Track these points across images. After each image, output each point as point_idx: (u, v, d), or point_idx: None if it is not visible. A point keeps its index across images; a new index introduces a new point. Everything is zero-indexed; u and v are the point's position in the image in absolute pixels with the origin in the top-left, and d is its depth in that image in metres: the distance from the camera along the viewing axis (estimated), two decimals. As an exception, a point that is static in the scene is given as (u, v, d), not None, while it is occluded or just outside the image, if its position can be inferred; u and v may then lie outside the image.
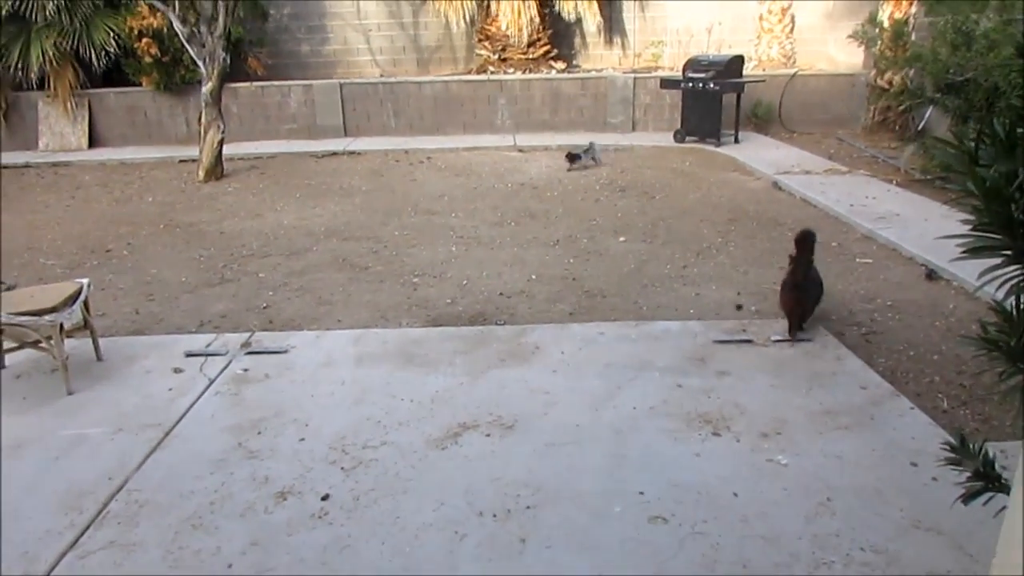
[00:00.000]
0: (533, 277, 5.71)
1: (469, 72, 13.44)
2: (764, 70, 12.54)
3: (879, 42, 9.55)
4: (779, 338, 4.34)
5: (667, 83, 11.30)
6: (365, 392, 3.88)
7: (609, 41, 14.06)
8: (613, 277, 5.66)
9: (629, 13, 13.87)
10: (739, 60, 10.74)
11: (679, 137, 10.96)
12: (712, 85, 10.37)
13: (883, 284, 5.39)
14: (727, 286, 5.39)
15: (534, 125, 12.18)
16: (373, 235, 6.98)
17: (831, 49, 13.15)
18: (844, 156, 9.85)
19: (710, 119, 10.56)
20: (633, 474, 3.10)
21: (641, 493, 2.97)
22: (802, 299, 4.40)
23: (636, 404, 3.66)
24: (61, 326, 3.97)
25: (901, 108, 9.89)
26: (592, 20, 13.08)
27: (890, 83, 9.97)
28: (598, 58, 14.12)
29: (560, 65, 13.27)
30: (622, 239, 6.60)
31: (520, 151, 10.99)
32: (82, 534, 2.88)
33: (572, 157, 9.56)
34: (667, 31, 13.80)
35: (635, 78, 12.01)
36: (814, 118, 11.77)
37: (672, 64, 13.20)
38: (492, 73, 12.80)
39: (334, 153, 11.11)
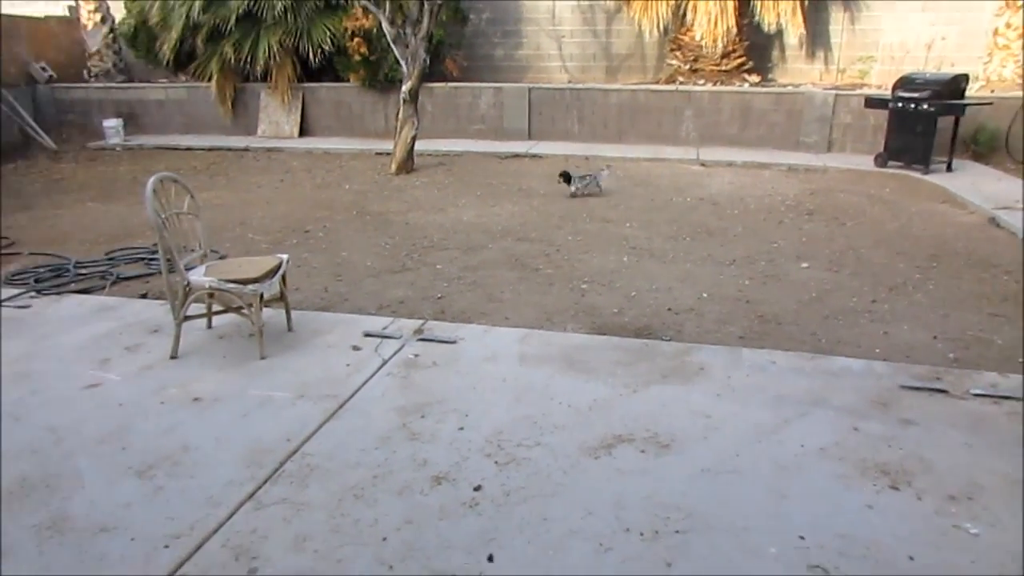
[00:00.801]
0: (704, 295, 5.53)
1: (657, 82, 13.27)
2: (992, 92, 11.33)
3: None
4: (981, 392, 3.90)
5: (873, 102, 10.53)
6: (525, 391, 3.94)
7: (811, 55, 13.35)
8: (791, 304, 5.35)
9: (836, 26, 13.09)
10: (962, 79, 9.77)
11: (881, 161, 10.17)
12: (926, 106, 9.52)
13: (1117, 344, 4.69)
14: (922, 328, 4.93)
15: (720, 139, 11.81)
16: (547, 238, 7.08)
17: (1078, 73, 11.64)
18: (1080, 194, 8.68)
19: (920, 143, 9.70)
20: (794, 515, 2.91)
21: (801, 538, 2.77)
22: None
23: (804, 442, 3.43)
24: (261, 296, 4.36)
25: None
26: (794, 32, 12.49)
27: None
28: (796, 72, 13.44)
29: (754, 78, 12.78)
30: (804, 265, 6.23)
31: (703, 165, 10.70)
32: (259, 488, 3.15)
33: (566, 177, 8.76)
34: (878, 46, 12.88)
35: (836, 95, 11.31)
36: (1047, 150, 10.47)
37: (880, 82, 12.31)
38: (681, 83, 12.55)
39: (517, 155, 11.38)
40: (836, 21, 13.08)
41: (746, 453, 3.34)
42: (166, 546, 2.79)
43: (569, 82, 13.66)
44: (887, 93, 10.29)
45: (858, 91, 11.54)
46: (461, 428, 3.58)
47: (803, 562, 2.65)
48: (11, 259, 6.59)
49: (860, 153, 10.92)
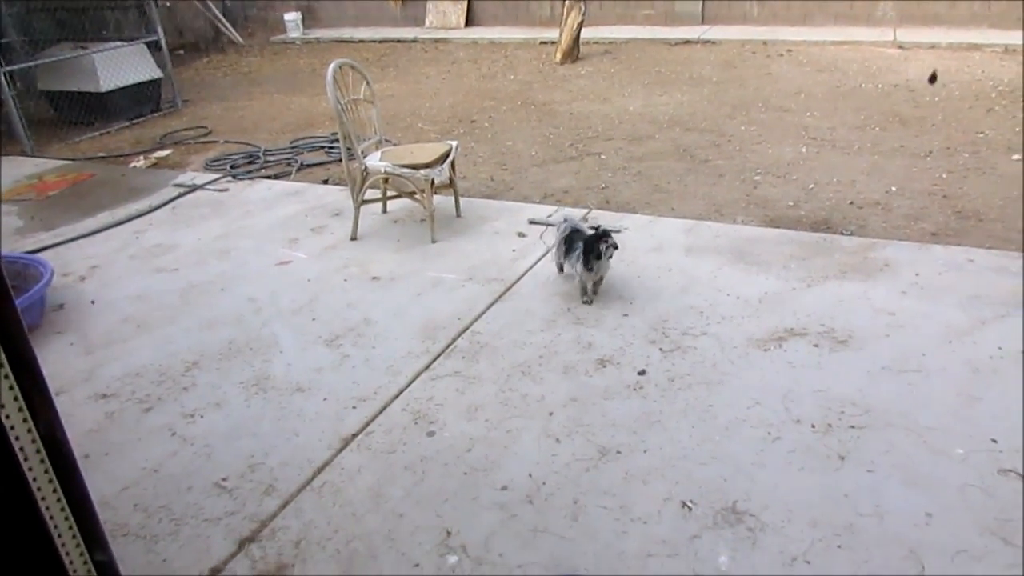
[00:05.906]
0: (893, 189, 5.08)
1: (852, -47, 11.87)
2: None
3: None
4: None
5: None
6: (691, 282, 3.87)
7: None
8: (995, 200, 4.80)
9: None
10: None
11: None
12: None
13: None
14: None
15: (922, 18, 10.50)
16: (717, 128, 6.72)
17: None
18: None
19: None
20: (986, 420, 2.70)
21: (994, 441, 2.59)
22: None
23: (1003, 344, 3.14)
24: (432, 181, 4.51)
25: None
26: None
27: None
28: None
29: (971, -56, 11.09)
30: (1016, 157, 5.53)
31: (900, 48, 9.60)
32: (434, 360, 3.35)
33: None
34: None
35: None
36: None
37: None
38: (880, -46, 11.16)
39: (687, 41, 10.76)
40: None
41: (934, 353, 3.12)
42: (354, 407, 3.06)
43: (748, -42, 12.53)
44: None
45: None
46: (625, 315, 3.59)
47: (993, 466, 2.48)
48: (209, 147, 7.22)
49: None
